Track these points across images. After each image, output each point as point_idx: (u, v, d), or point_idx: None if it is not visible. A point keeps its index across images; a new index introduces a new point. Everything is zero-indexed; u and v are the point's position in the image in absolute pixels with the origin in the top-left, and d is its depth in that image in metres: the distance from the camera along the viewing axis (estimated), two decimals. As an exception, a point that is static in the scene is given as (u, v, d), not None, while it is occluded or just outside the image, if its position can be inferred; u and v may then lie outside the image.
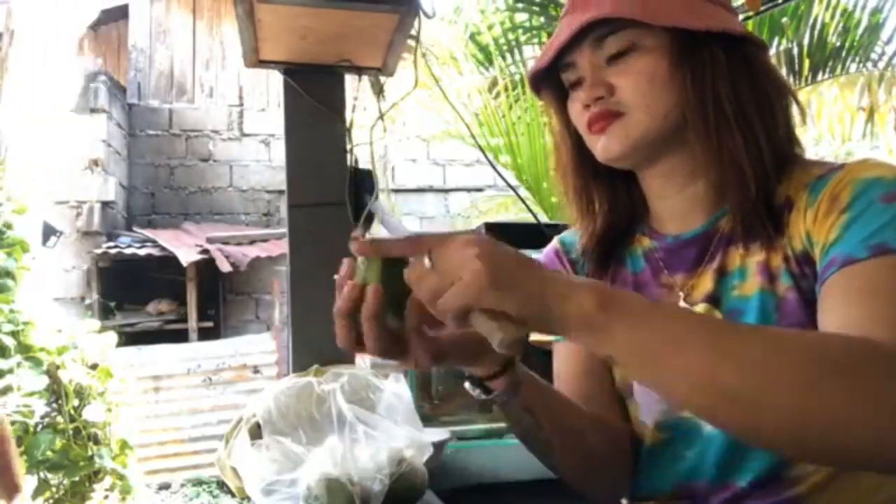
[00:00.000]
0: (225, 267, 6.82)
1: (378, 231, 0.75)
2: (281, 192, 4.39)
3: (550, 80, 0.87)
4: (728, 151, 0.78)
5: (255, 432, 1.37)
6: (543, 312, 0.59)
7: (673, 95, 0.79)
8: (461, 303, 0.58)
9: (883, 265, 0.66)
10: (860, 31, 4.87)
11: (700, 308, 0.82)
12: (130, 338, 5.98)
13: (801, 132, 0.84)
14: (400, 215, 8.55)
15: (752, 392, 0.56)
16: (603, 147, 0.82)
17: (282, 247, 6.06)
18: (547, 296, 0.59)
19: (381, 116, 1.81)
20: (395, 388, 1.47)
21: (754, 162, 0.77)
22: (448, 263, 0.59)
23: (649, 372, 0.61)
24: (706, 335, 0.58)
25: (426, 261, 0.60)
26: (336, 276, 0.67)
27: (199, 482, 5.58)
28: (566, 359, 0.95)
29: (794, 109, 0.83)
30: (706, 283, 0.83)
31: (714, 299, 0.82)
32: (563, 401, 0.85)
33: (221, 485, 5.30)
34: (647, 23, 0.78)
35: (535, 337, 0.90)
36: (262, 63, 1.75)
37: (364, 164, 1.82)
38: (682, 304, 0.84)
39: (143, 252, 6.86)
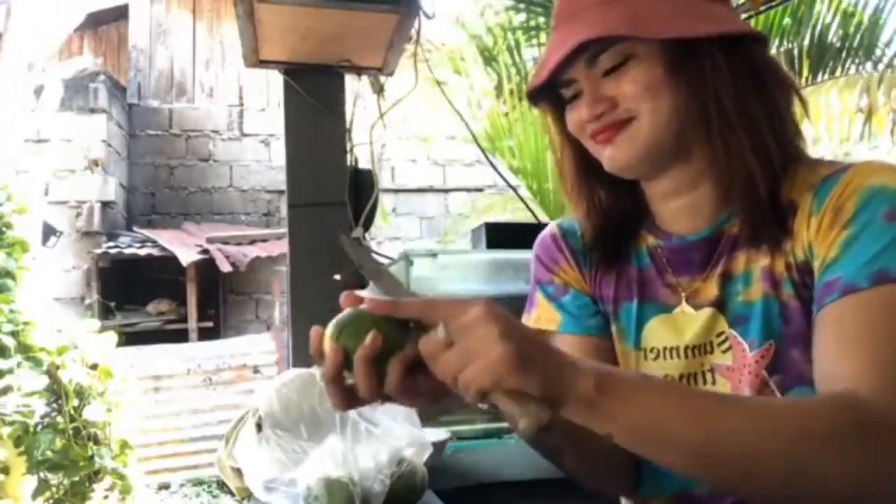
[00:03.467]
0: (225, 267, 6.82)
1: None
2: (281, 192, 4.39)
3: (547, 92, 0.86)
4: (735, 155, 0.77)
5: (258, 429, 1.37)
6: (558, 388, 0.61)
7: (673, 100, 0.78)
8: (486, 384, 0.59)
9: (882, 299, 0.67)
10: (860, 32, 4.87)
11: (705, 313, 0.82)
12: (130, 338, 5.98)
13: (800, 133, 0.83)
14: (400, 215, 8.55)
15: (740, 462, 0.61)
16: (610, 157, 0.81)
17: (282, 247, 6.06)
18: (563, 373, 0.62)
19: (382, 116, 1.81)
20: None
21: (762, 163, 0.76)
22: (469, 340, 0.59)
23: (645, 446, 0.64)
24: (694, 411, 0.62)
25: (441, 332, 0.60)
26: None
27: (198, 482, 5.58)
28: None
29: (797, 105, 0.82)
30: (711, 288, 0.82)
31: (719, 304, 0.81)
32: None
33: (221, 485, 5.30)
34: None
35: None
36: (262, 63, 1.76)
37: (364, 164, 1.82)
38: (684, 305, 0.84)
39: (143, 252, 6.86)
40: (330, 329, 0.65)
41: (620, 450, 0.87)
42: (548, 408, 0.60)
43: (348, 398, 0.65)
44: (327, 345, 0.64)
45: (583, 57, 0.79)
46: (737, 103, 0.77)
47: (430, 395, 0.66)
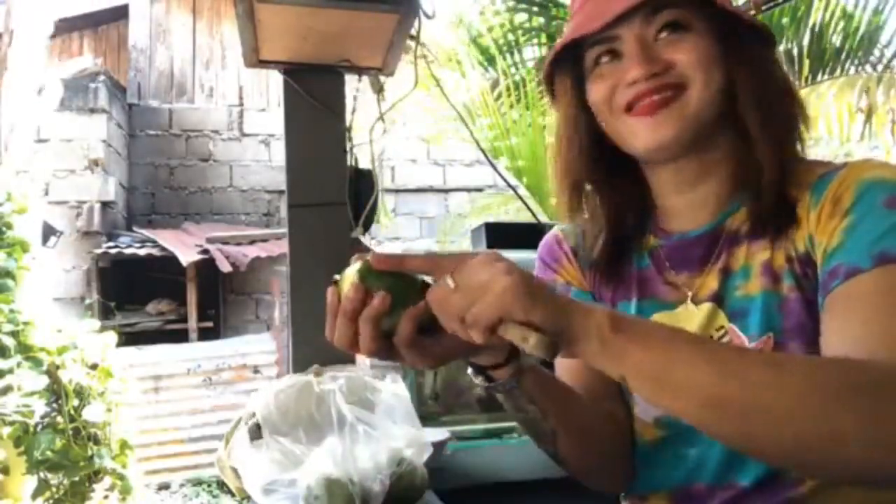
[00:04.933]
0: (225, 267, 6.82)
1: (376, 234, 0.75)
2: (281, 192, 4.39)
3: (566, 62, 0.85)
4: (756, 144, 0.79)
5: (255, 432, 1.37)
6: (567, 326, 0.61)
7: (722, 78, 0.79)
8: (495, 314, 0.60)
9: (886, 277, 0.68)
10: (860, 33, 4.87)
11: (705, 308, 0.82)
12: (130, 338, 5.97)
13: (803, 133, 0.85)
14: (400, 215, 8.55)
15: (754, 410, 0.59)
16: (653, 132, 0.79)
17: (282, 247, 6.06)
18: (571, 310, 0.62)
19: (381, 116, 1.81)
20: (394, 389, 1.47)
21: (777, 156, 0.78)
22: (475, 279, 0.61)
23: (656, 390, 0.63)
24: (711, 356, 0.61)
25: (448, 281, 0.62)
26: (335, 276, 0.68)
27: (198, 482, 5.58)
28: None
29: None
30: (712, 282, 0.83)
31: (718, 299, 0.82)
32: (567, 391, 0.85)
33: (221, 485, 5.30)
34: (696, 5, 0.77)
35: None
36: (262, 63, 1.75)
37: (364, 164, 1.82)
38: (689, 303, 0.84)
39: (143, 252, 6.86)
40: (348, 273, 0.66)
41: (616, 439, 0.88)
42: (560, 344, 0.61)
43: (355, 342, 0.66)
44: (346, 285, 0.66)
45: (640, 13, 0.78)
46: (766, 94, 0.79)
47: (435, 357, 0.68)
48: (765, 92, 0.79)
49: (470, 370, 0.78)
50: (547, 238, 0.99)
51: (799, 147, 0.82)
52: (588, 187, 0.90)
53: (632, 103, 0.79)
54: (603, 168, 0.88)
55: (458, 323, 0.61)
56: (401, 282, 0.65)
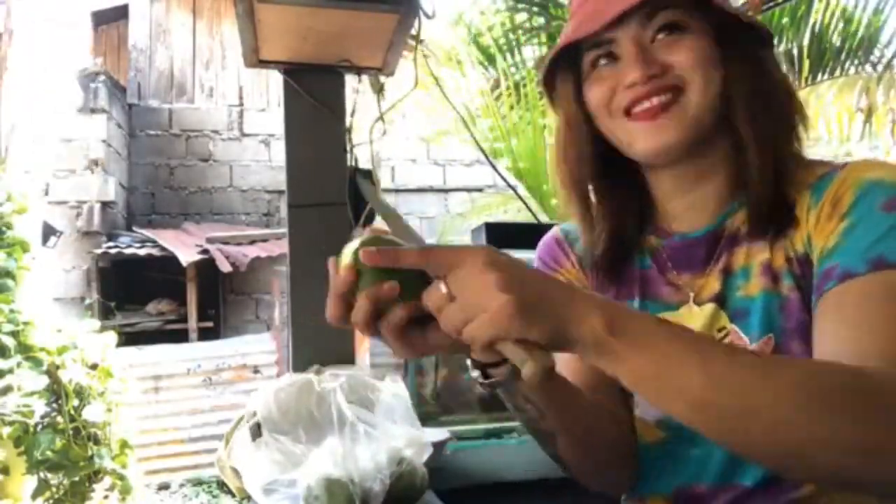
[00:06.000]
0: (225, 267, 6.82)
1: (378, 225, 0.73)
2: (281, 192, 4.39)
3: (564, 64, 0.85)
4: (754, 146, 0.78)
5: (256, 431, 1.37)
6: (564, 337, 0.60)
7: (720, 80, 0.78)
8: (489, 336, 0.58)
9: (880, 283, 0.67)
10: (859, 33, 4.88)
11: (708, 308, 0.82)
12: (130, 338, 5.98)
13: (802, 133, 0.84)
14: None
15: (744, 415, 0.59)
16: (654, 138, 0.78)
17: (282, 247, 6.06)
18: (567, 320, 0.60)
19: (381, 116, 1.81)
20: (394, 389, 1.47)
21: (774, 157, 0.78)
22: (469, 294, 0.58)
23: (652, 390, 0.62)
24: (703, 358, 0.60)
25: (442, 287, 0.59)
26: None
27: (198, 482, 5.58)
28: None
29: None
30: (713, 283, 0.83)
31: (720, 299, 0.82)
32: (568, 390, 0.83)
33: (221, 485, 5.30)
34: (693, 5, 0.77)
35: None
36: (262, 63, 1.75)
37: (364, 164, 1.82)
38: (691, 304, 0.84)
39: (143, 252, 6.86)
40: (348, 250, 0.65)
41: (618, 438, 0.87)
42: (557, 350, 0.60)
43: (346, 317, 0.64)
44: (343, 264, 0.64)
45: (637, 16, 0.77)
46: (764, 95, 0.79)
47: (420, 350, 0.66)
48: (760, 92, 0.79)
49: (469, 362, 0.76)
50: (546, 238, 0.98)
51: (797, 146, 0.81)
52: (589, 187, 0.89)
53: (630, 106, 0.79)
54: (603, 169, 0.87)
55: (456, 335, 0.60)
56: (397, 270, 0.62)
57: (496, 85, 4.87)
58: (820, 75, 4.95)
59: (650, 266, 0.89)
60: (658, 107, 0.77)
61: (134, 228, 7.53)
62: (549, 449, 0.86)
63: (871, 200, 0.71)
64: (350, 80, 1.83)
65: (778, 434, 0.58)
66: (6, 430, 3.38)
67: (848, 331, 0.67)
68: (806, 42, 4.89)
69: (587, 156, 0.87)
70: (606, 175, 0.88)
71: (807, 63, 4.90)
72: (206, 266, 6.92)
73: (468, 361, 0.76)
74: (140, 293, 7.14)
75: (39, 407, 3.44)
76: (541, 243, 0.98)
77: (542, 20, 4.93)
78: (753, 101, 0.78)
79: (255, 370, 6.02)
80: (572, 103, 0.86)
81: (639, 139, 0.80)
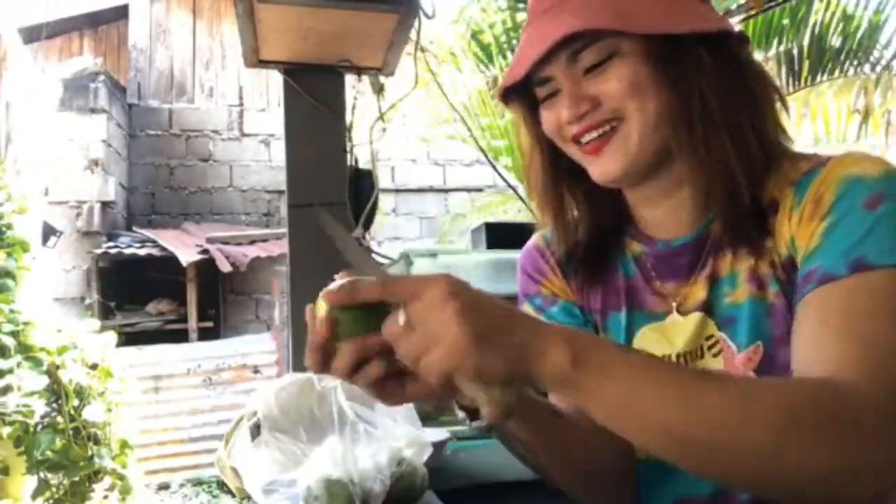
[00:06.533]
0: (225, 267, 6.82)
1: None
2: (281, 192, 4.39)
3: (519, 91, 0.83)
4: (717, 157, 0.75)
5: (256, 430, 1.37)
6: (525, 371, 0.58)
7: (659, 100, 0.75)
8: (444, 368, 0.57)
9: (860, 285, 0.66)
10: (859, 34, 4.88)
11: (694, 317, 0.81)
12: (130, 338, 5.98)
13: (798, 133, 0.82)
14: (400, 215, 8.55)
15: (717, 444, 0.58)
16: (602, 170, 0.78)
17: (282, 247, 6.06)
18: (528, 353, 0.58)
19: (381, 116, 1.81)
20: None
21: (744, 165, 0.74)
22: (425, 324, 0.57)
23: (621, 424, 0.61)
24: (673, 389, 0.59)
25: (401, 317, 0.58)
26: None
27: (198, 482, 5.58)
28: None
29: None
30: (699, 291, 0.81)
31: (707, 307, 0.80)
32: (557, 421, 0.81)
33: (221, 485, 5.30)
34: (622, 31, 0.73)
35: None
36: (262, 63, 1.76)
37: (364, 164, 1.82)
38: (675, 314, 0.83)
39: (143, 252, 6.86)
40: (322, 299, 0.64)
41: (615, 456, 0.85)
42: (520, 385, 0.58)
43: (326, 366, 0.65)
44: (319, 315, 0.64)
45: (563, 53, 0.76)
46: (721, 104, 0.75)
47: (405, 399, 0.65)
48: (719, 99, 0.75)
49: (454, 403, 0.74)
50: (528, 248, 0.96)
51: (777, 141, 0.78)
52: (564, 193, 0.88)
53: (578, 137, 0.78)
54: (574, 178, 0.85)
55: (414, 367, 0.59)
56: (368, 310, 0.61)
57: (494, 83, 4.87)
58: (819, 76, 4.95)
59: (635, 274, 0.87)
60: (600, 140, 0.77)
61: (134, 228, 7.53)
62: (542, 475, 0.85)
63: (852, 198, 0.69)
64: (350, 80, 1.83)
65: (757, 463, 0.58)
66: (6, 430, 3.38)
67: (828, 336, 0.65)
68: (806, 42, 4.88)
69: (552, 169, 0.86)
70: (578, 182, 0.86)
71: (806, 63, 4.89)
72: (206, 266, 6.91)
73: (454, 403, 0.74)
74: (140, 293, 7.14)
75: (39, 407, 3.44)
76: (523, 252, 0.96)
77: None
78: (704, 116, 0.74)
79: (255, 370, 6.02)
80: (531, 125, 0.85)
81: (590, 169, 0.80)
